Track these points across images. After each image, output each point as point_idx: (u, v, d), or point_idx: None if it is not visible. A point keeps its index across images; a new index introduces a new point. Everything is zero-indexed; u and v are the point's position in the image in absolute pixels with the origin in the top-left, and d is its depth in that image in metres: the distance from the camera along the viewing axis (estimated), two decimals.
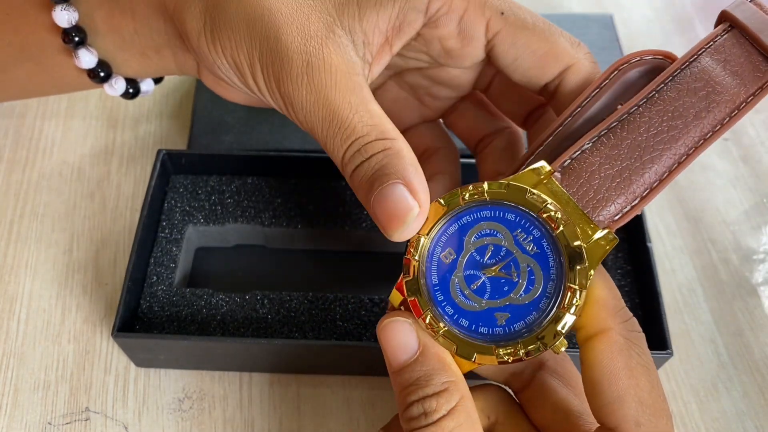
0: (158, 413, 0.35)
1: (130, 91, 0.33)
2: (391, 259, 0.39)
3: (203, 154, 0.39)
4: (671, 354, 0.33)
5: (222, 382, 0.36)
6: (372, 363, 0.34)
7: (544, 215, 0.23)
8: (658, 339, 0.34)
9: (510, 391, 0.28)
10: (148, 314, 0.35)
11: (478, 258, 0.24)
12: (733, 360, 0.37)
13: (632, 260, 0.38)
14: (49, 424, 0.34)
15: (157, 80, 0.36)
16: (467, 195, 0.24)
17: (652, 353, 0.32)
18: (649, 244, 0.36)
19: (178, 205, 0.39)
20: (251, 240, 0.40)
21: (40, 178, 0.43)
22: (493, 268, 0.24)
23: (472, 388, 0.26)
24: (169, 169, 0.40)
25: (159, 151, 0.38)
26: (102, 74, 0.31)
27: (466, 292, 0.24)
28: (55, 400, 0.35)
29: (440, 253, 0.25)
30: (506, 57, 0.28)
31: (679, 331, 0.38)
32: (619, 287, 0.37)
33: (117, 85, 0.32)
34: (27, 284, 0.39)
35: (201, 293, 0.36)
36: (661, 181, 0.24)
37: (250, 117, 0.44)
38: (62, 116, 0.46)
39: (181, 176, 0.40)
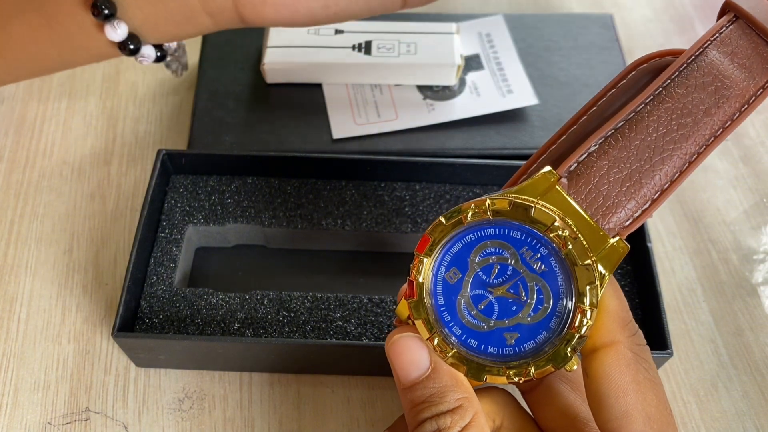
0: (158, 413, 0.35)
1: (159, 55, 0.34)
2: (391, 259, 0.39)
3: (203, 154, 0.39)
4: (671, 354, 0.33)
5: (222, 382, 0.36)
6: (372, 363, 0.34)
7: (551, 234, 0.22)
8: (658, 339, 0.34)
9: (516, 391, 0.28)
10: (148, 314, 0.35)
11: (484, 277, 0.24)
12: (733, 360, 0.37)
13: (632, 260, 0.38)
14: (49, 424, 0.34)
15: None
16: (470, 214, 0.23)
17: (651, 353, 0.32)
18: (649, 244, 0.36)
19: (178, 205, 0.39)
20: (251, 240, 0.40)
21: (40, 178, 0.43)
22: (500, 288, 0.24)
23: (477, 391, 0.26)
24: (169, 169, 0.40)
25: (159, 151, 0.38)
26: (132, 47, 0.32)
27: (473, 312, 0.24)
28: (55, 400, 0.35)
29: (445, 273, 0.24)
30: None
31: (679, 331, 0.38)
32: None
33: (147, 54, 0.33)
34: (27, 284, 0.39)
35: (201, 293, 0.36)
36: (672, 182, 0.23)
37: (250, 117, 0.44)
38: (62, 116, 0.46)
39: (181, 176, 0.40)
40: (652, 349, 0.34)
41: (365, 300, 0.36)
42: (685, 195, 0.44)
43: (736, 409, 0.36)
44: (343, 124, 0.43)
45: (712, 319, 0.39)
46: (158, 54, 0.34)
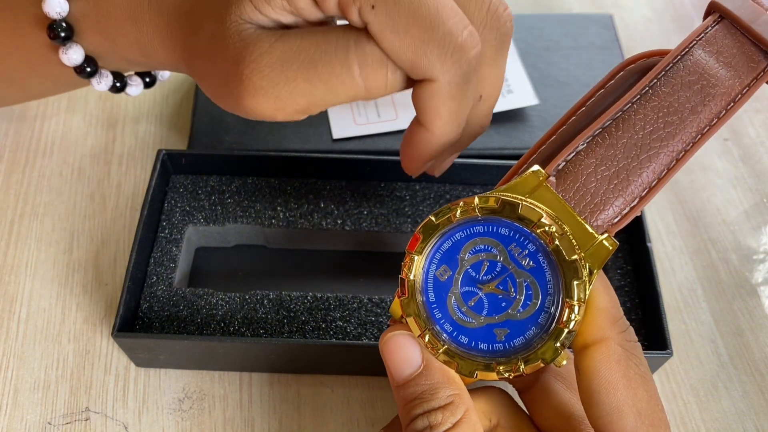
0: (158, 413, 0.35)
1: (118, 85, 0.33)
2: (391, 259, 0.39)
3: (203, 154, 0.39)
4: (671, 354, 0.33)
5: (222, 382, 0.36)
6: (372, 363, 0.34)
7: (538, 230, 0.23)
8: (658, 339, 0.34)
9: (513, 390, 0.28)
10: (148, 314, 0.35)
11: (474, 274, 0.24)
12: (733, 360, 0.37)
13: (632, 260, 0.38)
14: (49, 424, 0.34)
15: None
16: (458, 212, 0.23)
17: (652, 353, 0.32)
18: (649, 244, 0.36)
19: (178, 205, 0.39)
20: (251, 240, 0.40)
21: (40, 178, 0.43)
22: (489, 285, 0.24)
23: (474, 390, 0.26)
24: (169, 169, 0.40)
25: (159, 151, 0.38)
26: (89, 70, 0.31)
27: (464, 308, 0.24)
28: (55, 400, 0.35)
29: (435, 270, 0.24)
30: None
31: (679, 331, 0.38)
32: (619, 287, 0.37)
33: (131, 92, 0.33)
34: (27, 284, 0.39)
35: (201, 293, 0.36)
36: (660, 180, 0.24)
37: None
38: (62, 116, 0.46)
39: (181, 176, 0.40)
40: (651, 349, 0.34)
41: (365, 300, 0.36)
42: (685, 195, 0.44)
43: (736, 409, 0.36)
44: (343, 124, 0.43)
45: (712, 319, 0.39)
46: (147, 80, 0.34)
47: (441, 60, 0.24)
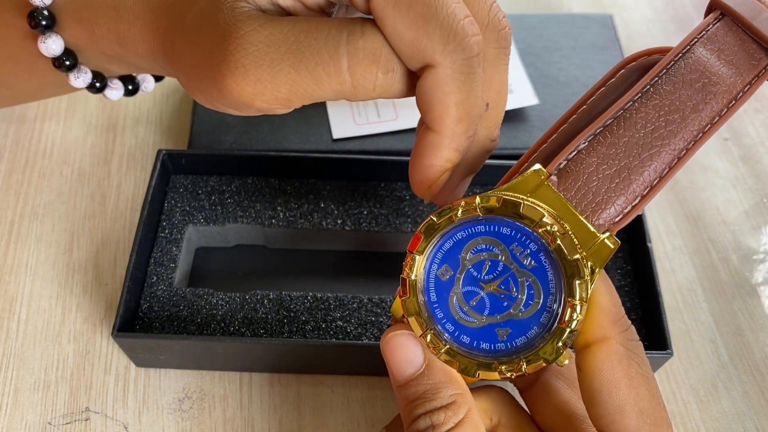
0: (158, 413, 0.35)
1: (97, 85, 0.33)
2: (391, 259, 0.39)
3: (203, 154, 0.39)
4: (671, 354, 0.33)
5: (222, 382, 0.36)
6: (372, 363, 0.34)
7: (540, 229, 0.23)
8: (658, 339, 0.34)
9: (514, 389, 0.28)
10: (148, 314, 0.35)
11: (475, 274, 0.24)
12: (733, 360, 0.37)
13: (632, 260, 0.38)
14: (49, 424, 0.34)
15: (157, 78, 0.36)
16: (460, 212, 0.23)
17: (652, 353, 0.32)
18: (649, 244, 0.36)
19: (178, 205, 0.39)
20: (251, 240, 0.40)
21: (40, 178, 0.43)
22: (491, 284, 0.24)
23: (475, 389, 0.26)
24: (169, 169, 0.40)
25: (159, 151, 0.38)
26: (68, 63, 0.31)
27: (466, 308, 0.24)
28: (55, 400, 0.35)
29: (437, 270, 0.24)
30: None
31: (679, 331, 0.38)
32: (619, 287, 0.37)
33: (111, 95, 0.32)
34: (27, 284, 0.39)
35: (201, 293, 0.36)
36: (661, 178, 0.23)
37: (250, 117, 0.44)
38: (62, 116, 0.46)
39: (181, 176, 0.40)
40: (652, 349, 0.34)
41: (365, 300, 0.36)
42: (685, 195, 0.44)
43: (736, 409, 0.36)
44: (343, 124, 0.43)
45: (712, 319, 0.39)
46: (129, 87, 0.34)
47: (443, 41, 0.23)
